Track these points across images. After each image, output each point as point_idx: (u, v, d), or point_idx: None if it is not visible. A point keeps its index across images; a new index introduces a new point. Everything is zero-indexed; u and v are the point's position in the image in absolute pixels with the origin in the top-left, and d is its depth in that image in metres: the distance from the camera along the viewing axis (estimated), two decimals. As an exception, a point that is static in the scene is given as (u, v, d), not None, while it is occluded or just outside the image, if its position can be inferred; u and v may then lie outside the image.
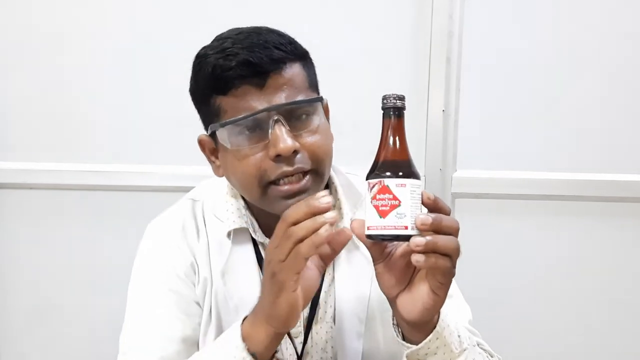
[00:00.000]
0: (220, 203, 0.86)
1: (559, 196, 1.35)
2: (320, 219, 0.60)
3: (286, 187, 0.75)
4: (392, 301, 0.68)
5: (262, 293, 0.69)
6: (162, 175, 1.35)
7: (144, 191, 1.35)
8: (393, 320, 0.72)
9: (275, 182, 0.75)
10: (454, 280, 0.91)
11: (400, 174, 0.61)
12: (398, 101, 0.62)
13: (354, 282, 0.85)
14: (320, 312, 0.86)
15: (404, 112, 0.63)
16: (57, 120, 1.35)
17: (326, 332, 0.86)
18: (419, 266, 0.62)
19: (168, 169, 1.35)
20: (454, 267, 0.63)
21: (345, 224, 0.85)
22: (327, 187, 0.87)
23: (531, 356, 1.41)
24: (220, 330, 0.83)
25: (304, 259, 0.62)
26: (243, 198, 0.85)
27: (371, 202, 0.61)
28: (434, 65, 1.31)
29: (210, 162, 0.83)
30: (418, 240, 0.60)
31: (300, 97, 0.76)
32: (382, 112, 0.64)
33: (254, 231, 0.84)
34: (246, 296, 0.81)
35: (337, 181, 0.88)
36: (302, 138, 0.75)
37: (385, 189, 0.60)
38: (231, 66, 0.73)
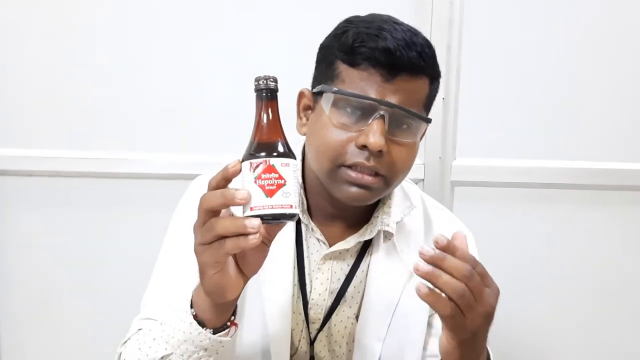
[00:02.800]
0: None
1: (559, 184, 1.35)
2: (247, 225, 0.58)
3: (354, 175, 0.76)
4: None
5: None
6: (165, 162, 1.34)
7: (146, 178, 1.35)
8: None
9: (348, 167, 0.76)
10: None
11: (283, 153, 0.62)
12: (271, 82, 0.63)
13: (385, 286, 0.86)
14: (344, 305, 0.87)
15: (277, 93, 0.64)
16: (57, 106, 1.34)
17: (345, 327, 0.88)
18: (419, 295, 0.62)
19: (170, 156, 1.34)
20: (466, 321, 0.62)
21: (392, 226, 0.86)
22: None
23: (529, 346, 1.42)
24: (242, 299, 0.83)
25: (226, 254, 0.61)
26: (302, 177, 0.86)
27: (255, 182, 0.60)
28: (434, 52, 1.30)
29: (299, 117, 0.84)
30: (421, 266, 0.60)
31: (413, 110, 0.76)
32: (255, 93, 0.64)
33: (302, 211, 0.85)
34: (276, 272, 0.83)
35: None
36: (393, 145, 0.76)
37: (270, 169, 0.60)
38: (373, 46, 0.73)
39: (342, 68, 0.76)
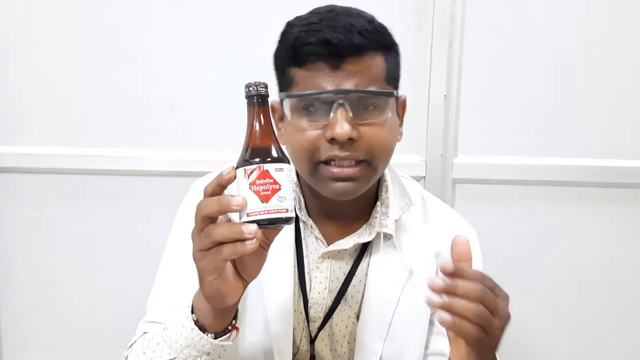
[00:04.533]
0: None
1: (560, 182, 1.35)
2: (243, 231, 0.58)
3: (335, 170, 0.76)
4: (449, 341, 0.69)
5: None
6: (164, 159, 1.34)
7: (146, 176, 1.35)
8: None
9: (326, 162, 0.76)
10: None
11: (277, 158, 0.62)
12: (262, 89, 0.64)
13: (385, 284, 0.86)
14: (344, 305, 0.87)
15: (268, 99, 0.65)
16: (59, 104, 1.34)
17: (346, 326, 0.88)
18: (442, 324, 0.62)
19: (170, 153, 1.34)
20: (490, 337, 0.62)
21: (390, 227, 0.85)
22: (379, 184, 0.88)
23: (530, 345, 1.42)
24: (243, 299, 0.83)
25: (224, 259, 0.61)
26: (297, 176, 0.86)
27: (250, 188, 0.61)
28: (435, 49, 1.29)
29: (277, 128, 0.84)
30: (435, 299, 0.61)
31: (372, 88, 0.75)
32: (246, 100, 0.64)
33: (300, 208, 0.85)
34: (277, 271, 0.84)
35: (389, 181, 0.88)
36: (364, 128, 0.76)
37: (265, 174, 0.61)
38: (311, 42, 0.74)
39: (294, 71, 0.77)
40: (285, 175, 0.62)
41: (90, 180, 1.37)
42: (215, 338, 0.69)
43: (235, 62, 1.31)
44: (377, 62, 0.77)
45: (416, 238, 0.89)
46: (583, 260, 1.39)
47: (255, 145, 0.63)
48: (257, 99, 0.64)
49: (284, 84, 0.79)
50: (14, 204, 1.39)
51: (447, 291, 0.61)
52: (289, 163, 0.64)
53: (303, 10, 1.26)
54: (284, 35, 0.80)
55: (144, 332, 0.81)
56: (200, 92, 1.33)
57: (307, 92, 0.75)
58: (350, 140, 0.74)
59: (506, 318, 0.64)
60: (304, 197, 0.86)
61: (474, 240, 0.94)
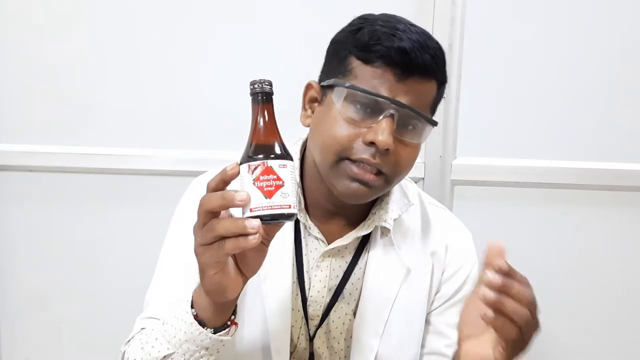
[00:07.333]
0: None
1: (559, 184, 1.35)
2: (247, 226, 0.59)
3: (357, 170, 0.76)
4: (460, 340, 0.70)
5: None
6: (165, 159, 1.34)
7: (148, 175, 1.35)
8: None
9: (352, 161, 0.76)
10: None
11: (280, 155, 0.63)
12: (266, 86, 0.64)
13: (382, 282, 0.87)
14: (342, 302, 0.88)
15: (272, 96, 0.65)
16: (59, 102, 1.34)
17: (343, 323, 0.88)
18: (485, 321, 0.63)
19: (173, 152, 1.34)
20: (524, 341, 0.64)
21: (389, 222, 0.86)
22: None
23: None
24: (242, 297, 0.84)
25: (226, 254, 0.62)
26: (301, 175, 0.87)
27: (254, 183, 0.61)
28: (435, 51, 1.30)
29: (304, 108, 0.85)
30: (489, 295, 0.61)
31: (422, 111, 0.77)
32: (251, 97, 0.65)
33: (300, 209, 0.85)
34: (275, 270, 0.84)
35: None
36: (398, 144, 0.77)
37: (269, 170, 0.62)
38: (389, 45, 0.74)
39: (356, 64, 0.77)
40: (288, 172, 0.62)
41: (90, 179, 1.37)
42: (214, 333, 0.70)
43: (235, 62, 1.31)
44: (432, 90, 0.78)
45: (414, 237, 0.90)
46: (581, 262, 1.39)
47: (260, 141, 0.64)
48: (261, 96, 0.64)
49: (338, 71, 0.79)
50: (14, 203, 1.39)
51: (502, 289, 0.62)
52: (292, 160, 0.64)
53: (302, 11, 1.28)
54: (357, 26, 0.79)
55: (142, 328, 0.81)
56: (200, 92, 1.33)
57: (369, 89, 0.75)
58: (386, 151, 0.75)
59: (538, 325, 0.66)
60: (305, 197, 0.87)
61: (468, 241, 0.95)
